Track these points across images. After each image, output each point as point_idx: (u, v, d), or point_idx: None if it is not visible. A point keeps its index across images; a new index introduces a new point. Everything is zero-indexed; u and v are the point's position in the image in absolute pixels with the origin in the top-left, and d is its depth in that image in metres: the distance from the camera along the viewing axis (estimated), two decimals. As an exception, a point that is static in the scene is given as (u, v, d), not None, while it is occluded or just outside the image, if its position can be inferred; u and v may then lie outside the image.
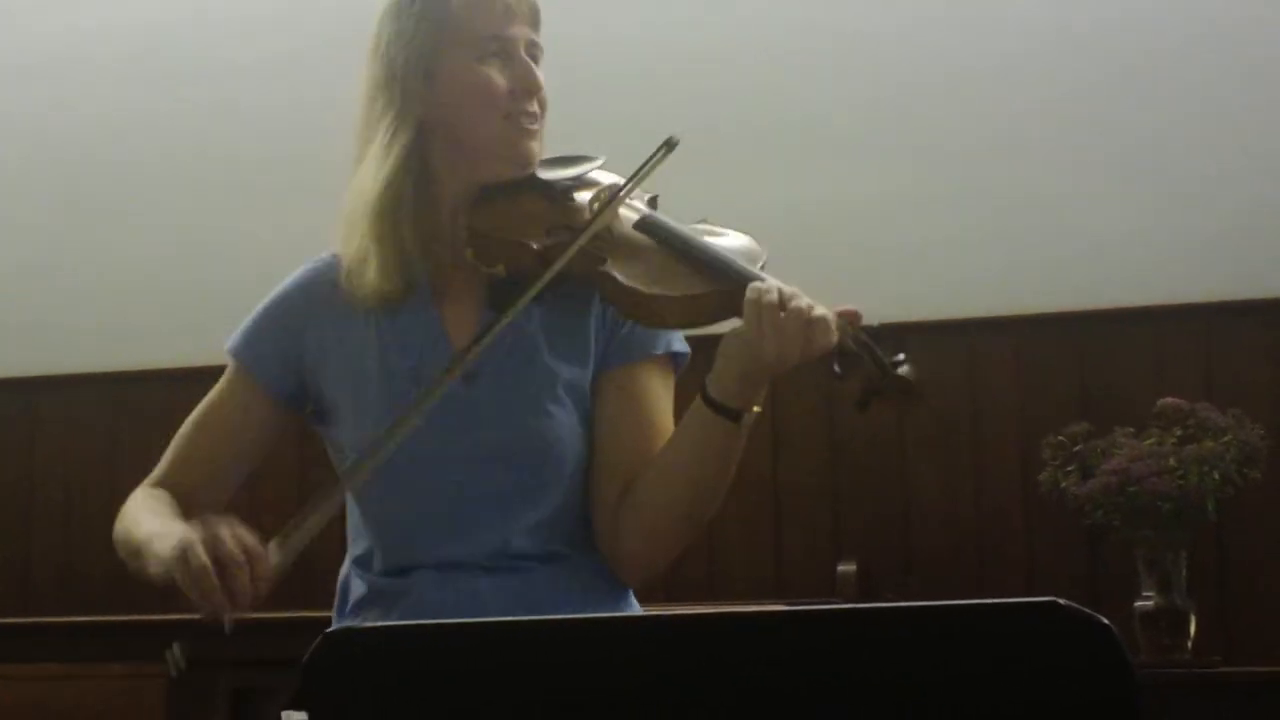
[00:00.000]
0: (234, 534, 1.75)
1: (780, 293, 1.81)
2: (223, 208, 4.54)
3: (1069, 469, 3.48)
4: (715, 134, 3.91)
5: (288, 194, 4.38)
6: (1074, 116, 4.06)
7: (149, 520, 1.92)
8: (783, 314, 1.80)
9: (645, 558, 1.96)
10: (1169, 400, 3.50)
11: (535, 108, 1.98)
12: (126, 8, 4.68)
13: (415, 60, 1.95)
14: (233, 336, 2.04)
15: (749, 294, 1.82)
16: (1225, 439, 3.41)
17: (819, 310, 1.82)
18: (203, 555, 1.73)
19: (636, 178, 1.95)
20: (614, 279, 1.90)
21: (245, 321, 2.05)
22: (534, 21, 2.00)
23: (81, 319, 4.59)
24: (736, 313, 1.86)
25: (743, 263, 1.90)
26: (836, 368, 1.86)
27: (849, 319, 1.85)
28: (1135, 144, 4.01)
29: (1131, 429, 3.48)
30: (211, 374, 2.07)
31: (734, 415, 1.87)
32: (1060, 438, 3.53)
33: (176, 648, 1.82)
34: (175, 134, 4.61)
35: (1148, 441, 3.42)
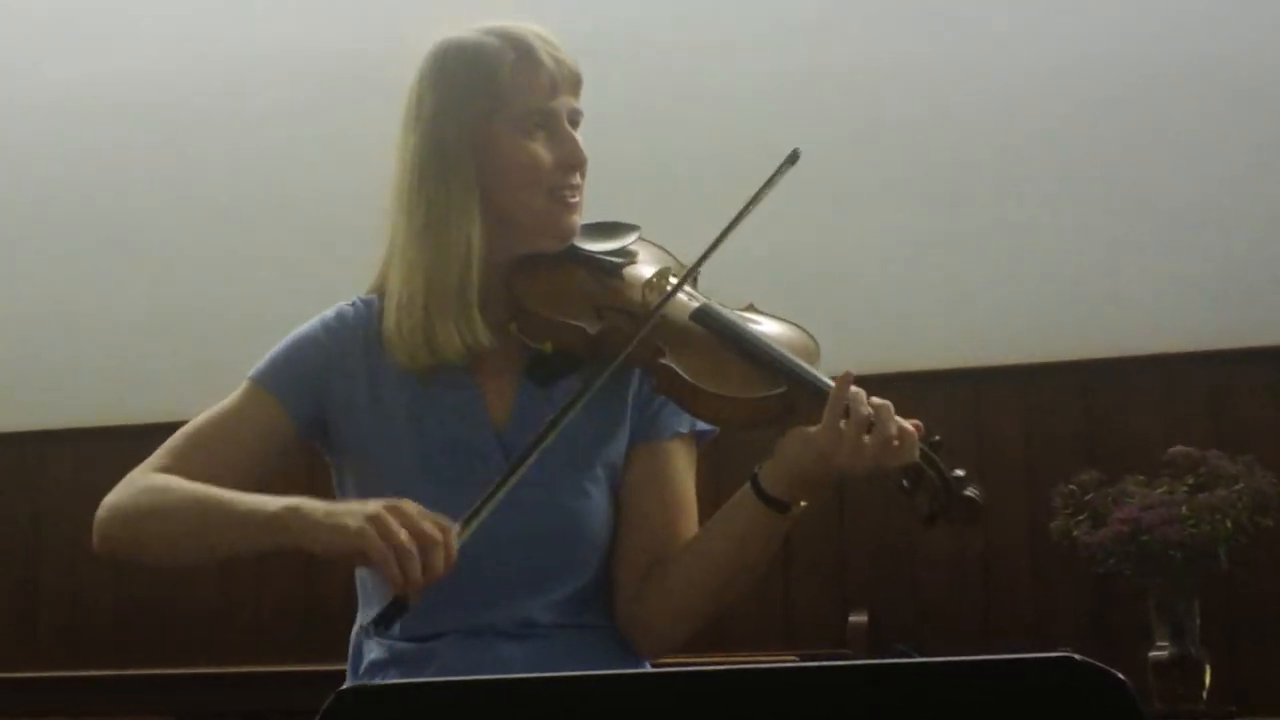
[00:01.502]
0: (421, 511, 1.74)
1: (865, 407, 1.80)
2: (233, 260, 4.55)
3: (1080, 518, 3.47)
4: (715, 183, 3.91)
5: (297, 246, 4.40)
6: (1080, 162, 4.06)
7: (234, 493, 1.86)
8: (864, 431, 1.79)
9: (669, 636, 1.96)
10: (1179, 448, 3.49)
11: (578, 180, 1.96)
12: (136, 57, 4.70)
13: (465, 133, 1.92)
14: (256, 366, 2.00)
15: (833, 406, 1.80)
16: (1237, 487, 3.39)
17: (905, 428, 1.81)
18: (403, 534, 1.70)
19: (734, 223, 1.92)
20: (677, 374, 1.87)
21: (270, 353, 2.01)
22: (577, 89, 1.98)
23: (89, 372, 4.60)
24: (797, 417, 1.85)
25: (805, 363, 1.89)
26: (905, 483, 1.86)
27: (917, 434, 1.84)
28: (1143, 190, 4.01)
29: (1142, 477, 3.47)
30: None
31: (784, 508, 1.87)
32: (1071, 486, 3.52)
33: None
34: (183, 186, 4.63)
35: (1159, 490, 3.41)
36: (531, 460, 1.79)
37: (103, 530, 1.96)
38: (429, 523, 1.73)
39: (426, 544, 1.71)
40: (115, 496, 1.95)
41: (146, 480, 1.94)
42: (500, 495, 1.78)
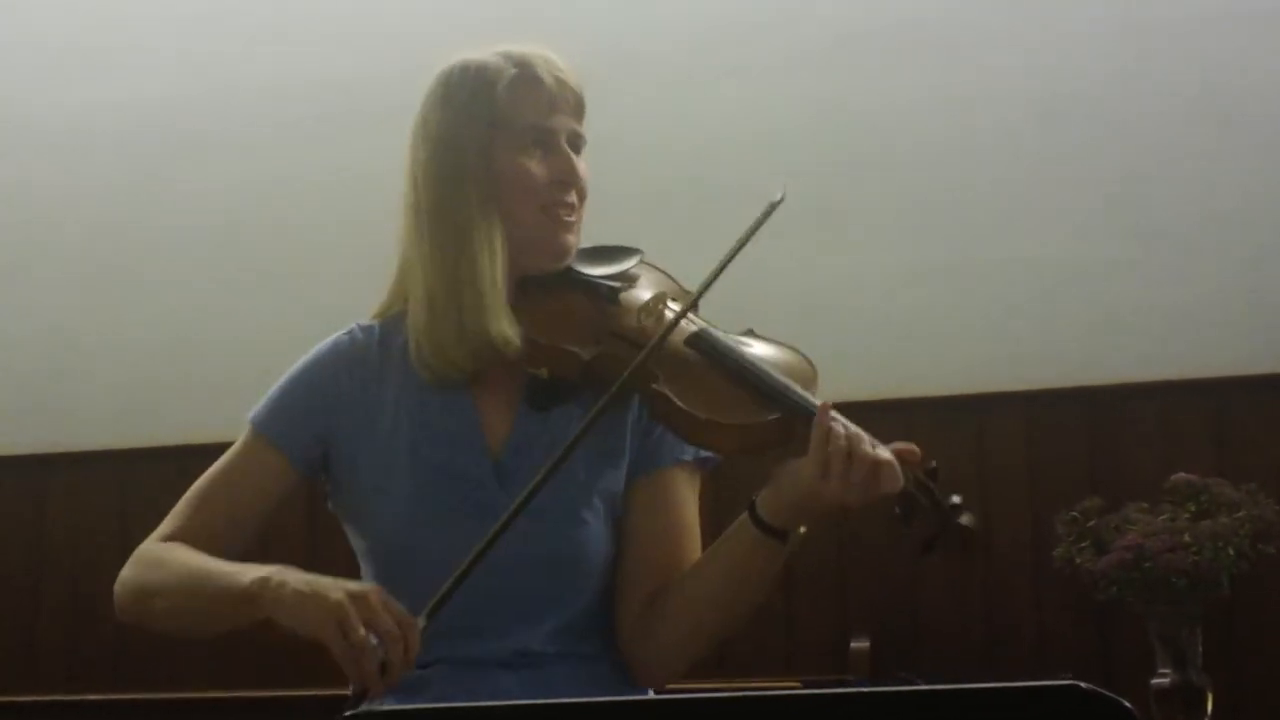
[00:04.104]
0: (385, 604, 1.71)
1: (850, 438, 1.78)
2: (234, 285, 4.55)
3: (1083, 544, 3.46)
4: (721, 212, 3.92)
5: (300, 272, 4.40)
6: (1082, 190, 4.07)
7: (220, 563, 1.86)
8: (850, 461, 1.77)
9: (672, 665, 1.95)
10: (1182, 475, 3.48)
11: (573, 199, 1.96)
12: (139, 83, 4.71)
13: (473, 146, 1.93)
14: (256, 408, 2.00)
15: (816, 435, 1.79)
16: (1239, 514, 3.38)
17: (885, 456, 1.79)
18: (362, 630, 1.69)
19: (721, 269, 1.89)
20: (669, 400, 1.85)
21: (269, 393, 2.01)
22: (578, 112, 1.98)
23: (91, 396, 4.59)
24: (796, 442, 1.83)
25: (799, 389, 1.87)
26: (898, 510, 1.84)
27: (909, 460, 1.82)
28: (1144, 218, 4.02)
29: (1145, 504, 3.46)
30: (221, 451, 2.06)
31: (781, 535, 1.86)
32: (1074, 513, 3.51)
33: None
34: (187, 212, 4.64)
35: (1161, 517, 3.40)
36: (505, 527, 1.76)
37: (120, 606, 1.97)
38: (391, 618, 1.70)
39: (386, 640, 1.69)
40: (128, 571, 1.96)
41: (150, 554, 1.94)
42: (469, 574, 1.74)
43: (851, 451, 1.77)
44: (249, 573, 1.81)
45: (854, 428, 1.80)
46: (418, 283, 1.94)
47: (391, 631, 1.69)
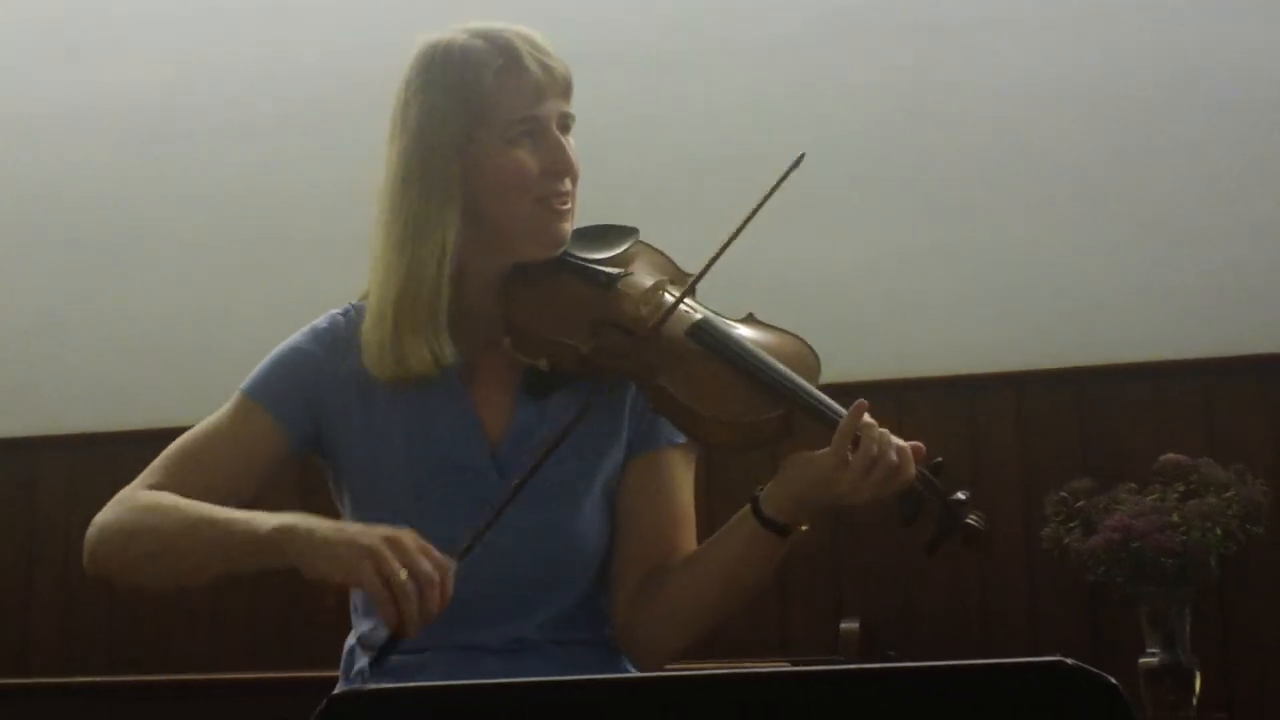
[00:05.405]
0: (422, 547, 1.69)
1: (874, 437, 1.76)
2: (226, 268, 4.55)
3: (1072, 525, 3.47)
4: (710, 192, 3.93)
5: (294, 256, 4.39)
6: (1072, 173, 4.07)
7: (226, 510, 1.80)
8: (878, 456, 1.76)
9: (665, 647, 1.94)
10: (1171, 456, 3.49)
11: (567, 186, 1.92)
12: (134, 66, 4.70)
13: (449, 142, 1.88)
14: (248, 378, 1.96)
15: (843, 432, 1.76)
16: (1227, 494, 3.39)
17: (900, 449, 1.78)
18: (402, 572, 1.66)
19: (729, 241, 1.86)
20: (669, 394, 1.82)
21: (261, 365, 1.97)
22: (566, 93, 1.93)
23: (83, 380, 4.59)
24: (795, 438, 1.82)
25: (806, 382, 1.84)
26: (905, 513, 1.82)
27: (915, 455, 1.80)
28: (1136, 200, 4.02)
29: (1134, 485, 3.47)
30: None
31: (784, 531, 1.85)
32: (1063, 494, 3.52)
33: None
34: (178, 196, 4.63)
35: (1150, 497, 3.41)
36: (523, 489, 1.76)
37: (92, 550, 1.89)
38: (428, 561, 1.68)
39: (423, 583, 1.67)
40: (105, 516, 1.89)
41: (136, 498, 1.88)
42: (495, 524, 1.74)
43: (881, 445, 1.76)
44: (268, 519, 1.75)
45: (878, 428, 1.79)
46: (372, 285, 1.92)
47: (429, 575, 1.67)
